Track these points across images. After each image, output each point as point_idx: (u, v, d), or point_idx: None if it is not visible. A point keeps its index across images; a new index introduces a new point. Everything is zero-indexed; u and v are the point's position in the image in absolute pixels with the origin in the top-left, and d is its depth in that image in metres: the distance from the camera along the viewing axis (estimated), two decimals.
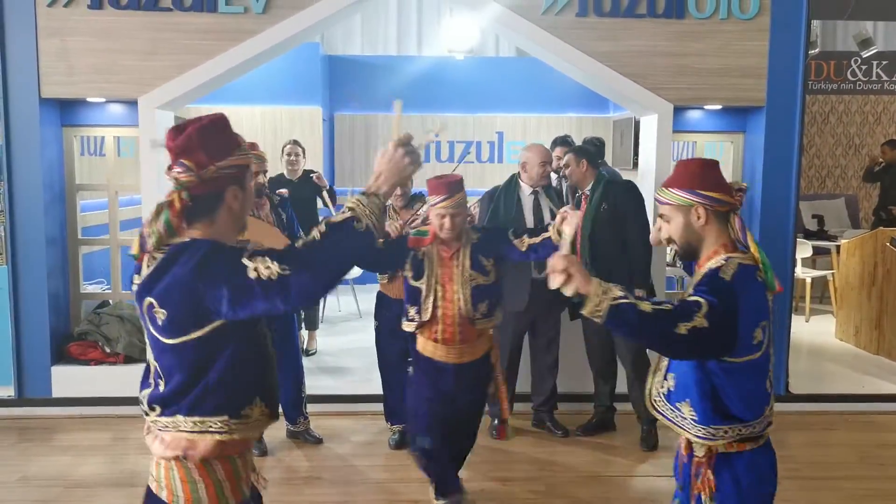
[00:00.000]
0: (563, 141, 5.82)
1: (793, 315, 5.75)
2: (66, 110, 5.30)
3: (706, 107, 5.44)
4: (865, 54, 8.52)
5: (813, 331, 7.36)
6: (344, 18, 5.97)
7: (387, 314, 4.55)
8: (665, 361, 2.32)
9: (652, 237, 2.40)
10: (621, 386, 4.96)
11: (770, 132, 5.29)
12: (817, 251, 7.98)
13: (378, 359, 4.74)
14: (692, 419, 2.21)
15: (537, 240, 3.53)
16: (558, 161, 5.53)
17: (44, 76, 4.97)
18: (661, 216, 2.34)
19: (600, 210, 4.59)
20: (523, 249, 3.55)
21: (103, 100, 5.21)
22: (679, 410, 2.24)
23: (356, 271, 7.96)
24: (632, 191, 4.75)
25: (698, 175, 2.27)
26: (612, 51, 5.16)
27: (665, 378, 2.30)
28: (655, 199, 2.38)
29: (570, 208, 3.37)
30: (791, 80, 5.22)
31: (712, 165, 2.32)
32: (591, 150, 4.95)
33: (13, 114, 4.99)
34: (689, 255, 2.34)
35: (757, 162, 5.41)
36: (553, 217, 4.65)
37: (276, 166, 6.63)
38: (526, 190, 4.73)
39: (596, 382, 4.98)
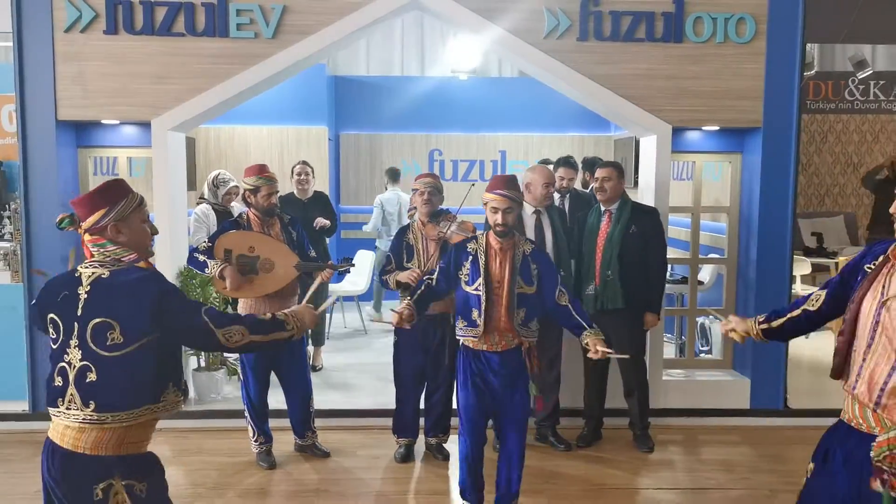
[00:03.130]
0: (566, 162, 5.94)
1: None
2: (81, 132, 5.44)
3: (704, 128, 5.57)
4: (861, 75, 8.68)
5: (813, 347, 7.44)
6: (351, 43, 6.11)
7: (408, 331, 4.63)
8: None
9: (893, 208, 2.47)
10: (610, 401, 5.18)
11: (767, 152, 5.41)
12: (816, 268, 8.09)
13: (394, 373, 4.82)
14: None
15: (573, 320, 3.68)
16: (561, 181, 5.67)
17: (60, 99, 5.12)
18: None
19: (629, 232, 4.78)
20: (560, 302, 3.70)
21: (117, 122, 5.35)
22: None
23: (362, 287, 8.09)
24: (656, 217, 5.02)
25: None
26: (612, 74, 5.30)
27: None
28: None
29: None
30: (787, 102, 5.36)
31: None
32: (624, 170, 5.10)
33: (30, 135, 5.14)
34: None
35: (754, 181, 5.53)
36: (554, 237, 4.80)
37: (283, 184, 6.79)
38: (528, 209, 4.85)
39: (588, 395, 5.13)
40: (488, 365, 3.75)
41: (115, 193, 2.52)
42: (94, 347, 2.39)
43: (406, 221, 8.37)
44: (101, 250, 2.51)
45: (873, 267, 2.51)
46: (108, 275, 2.46)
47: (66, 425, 2.42)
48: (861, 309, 2.49)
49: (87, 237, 2.53)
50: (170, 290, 2.49)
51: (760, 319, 2.92)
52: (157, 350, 2.43)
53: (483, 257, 3.71)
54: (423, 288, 3.85)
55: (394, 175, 8.55)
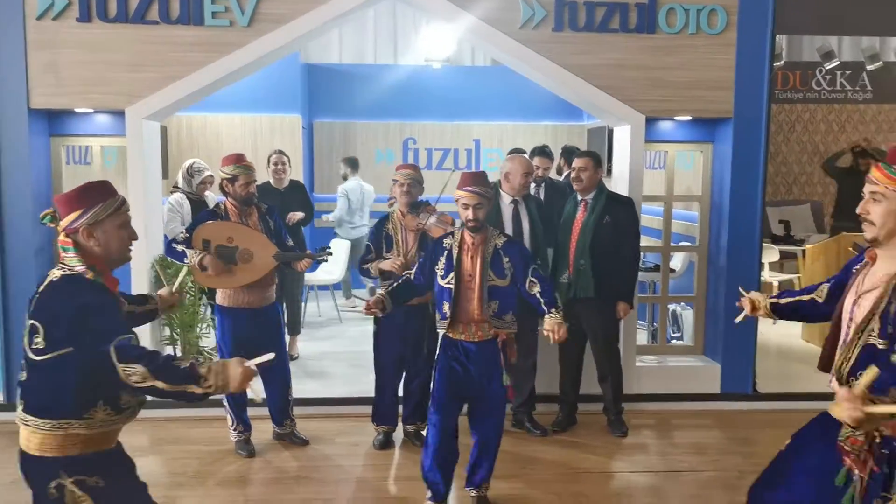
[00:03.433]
0: (541, 151, 6.00)
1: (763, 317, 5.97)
2: (54, 120, 5.39)
3: (677, 118, 5.66)
4: (828, 66, 8.84)
5: (780, 332, 7.58)
6: (326, 32, 6.10)
7: (388, 319, 4.67)
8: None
9: (860, 208, 2.47)
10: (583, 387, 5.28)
11: (737, 142, 5.51)
12: (784, 255, 8.26)
13: (375, 362, 4.87)
14: None
15: (541, 306, 3.75)
16: (537, 170, 5.73)
17: (33, 87, 5.06)
18: (873, 192, 2.41)
19: (603, 222, 4.85)
20: (528, 290, 3.80)
21: (91, 110, 5.31)
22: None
23: (337, 276, 8.11)
24: (631, 207, 5.09)
25: None
26: (586, 64, 5.36)
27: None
28: (877, 171, 2.43)
29: None
30: (757, 92, 5.46)
31: None
32: (602, 160, 5.16)
33: (2, 124, 5.08)
34: (876, 241, 2.45)
35: (725, 170, 5.63)
36: (531, 226, 4.86)
37: (259, 173, 6.78)
38: (506, 199, 4.91)
39: (563, 381, 5.23)
40: (465, 354, 3.85)
41: (93, 196, 2.50)
42: (26, 347, 2.39)
43: (367, 210, 8.45)
44: (64, 254, 2.48)
45: (859, 268, 2.61)
46: (57, 278, 2.45)
47: (20, 422, 2.45)
48: (844, 307, 2.59)
49: (61, 237, 2.51)
50: (91, 308, 2.36)
51: (771, 296, 3.10)
52: (79, 365, 2.33)
53: (456, 251, 3.82)
54: (399, 281, 3.99)
55: (353, 164, 8.56)
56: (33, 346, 2.36)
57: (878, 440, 2.39)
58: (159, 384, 2.28)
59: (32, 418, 2.40)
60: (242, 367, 2.35)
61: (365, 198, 8.39)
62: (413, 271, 4.02)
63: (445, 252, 3.86)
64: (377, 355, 4.84)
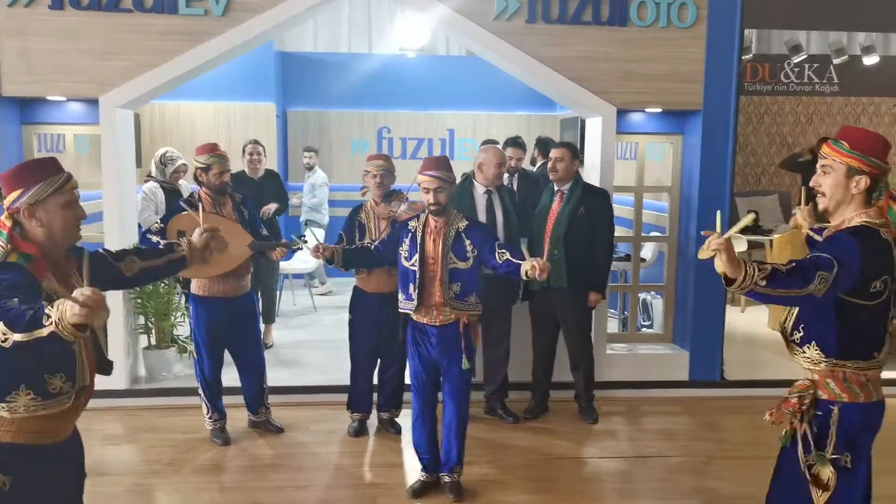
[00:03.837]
0: (514, 142, 6.06)
1: (729, 306, 6.12)
2: (26, 108, 5.35)
3: (647, 110, 5.74)
4: (796, 59, 8.98)
5: (748, 321, 7.77)
6: (301, 22, 6.10)
7: (362, 308, 4.74)
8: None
9: (813, 181, 2.68)
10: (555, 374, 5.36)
11: (706, 134, 5.61)
12: (752, 245, 8.39)
13: (350, 350, 4.91)
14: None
15: (514, 262, 3.77)
16: (510, 161, 5.79)
17: (4, 75, 5.02)
18: (823, 166, 2.62)
19: (577, 213, 4.92)
20: (499, 261, 3.84)
21: (63, 98, 5.27)
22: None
23: (312, 264, 8.13)
24: (606, 199, 5.16)
25: (879, 149, 2.57)
26: (559, 56, 5.42)
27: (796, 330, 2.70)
28: (826, 147, 2.63)
29: None
30: (726, 85, 5.56)
31: (889, 146, 2.62)
32: (578, 151, 5.21)
33: None
34: (825, 213, 2.66)
35: (694, 162, 5.73)
36: (505, 216, 4.92)
37: (233, 162, 6.77)
38: (480, 189, 4.97)
39: (535, 369, 5.31)
40: (427, 337, 3.99)
41: (34, 174, 2.36)
42: None
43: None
44: None
45: None
46: None
47: None
48: None
49: (2, 217, 2.36)
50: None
51: (759, 275, 2.56)
52: None
53: (420, 235, 3.91)
54: (358, 244, 4.20)
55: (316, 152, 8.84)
56: None
57: (808, 403, 2.63)
58: (17, 337, 2.00)
59: None
60: (83, 291, 1.97)
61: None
62: (376, 242, 4.17)
63: (410, 234, 3.97)
64: (352, 343, 4.88)
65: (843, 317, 2.56)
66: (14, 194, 2.34)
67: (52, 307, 1.97)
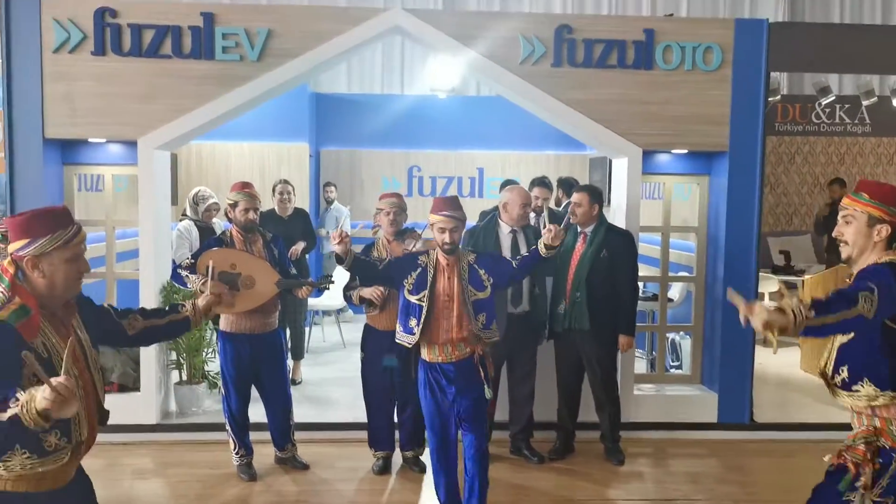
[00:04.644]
0: (541, 182, 6.12)
1: (760, 347, 6.06)
2: (67, 149, 5.55)
3: (673, 151, 5.78)
4: (824, 101, 8.98)
5: (780, 362, 7.64)
6: (335, 65, 6.28)
7: (374, 345, 4.80)
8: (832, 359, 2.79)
9: (836, 231, 2.82)
10: (581, 414, 5.34)
11: (733, 175, 5.63)
12: (785, 286, 8.32)
13: (363, 388, 4.96)
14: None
15: (527, 255, 4.11)
16: (536, 201, 5.85)
17: (48, 118, 5.24)
18: (845, 216, 2.77)
19: (600, 256, 4.95)
20: (516, 265, 4.08)
21: (104, 140, 5.47)
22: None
23: (340, 301, 8.22)
24: (630, 241, 5.16)
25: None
26: (585, 98, 5.51)
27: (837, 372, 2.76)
28: (847, 199, 2.81)
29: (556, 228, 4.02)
30: (752, 127, 5.58)
31: None
32: (601, 195, 5.26)
33: (18, 153, 5.24)
34: (850, 260, 2.79)
35: (721, 202, 5.74)
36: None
37: (264, 200, 6.93)
38: (505, 229, 5.02)
39: (560, 409, 5.29)
40: (444, 374, 3.99)
41: (42, 226, 2.35)
42: None
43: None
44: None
45: None
46: None
47: None
48: None
49: (4, 262, 2.36)
50: None
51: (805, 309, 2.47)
52: None
53: (431, 272, 3.96)
54: (369, 259, 4.21)
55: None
56: None
57: (876, 451, 2.67)
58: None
59: None
60: (50, 384, 1.97)
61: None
62: (386, 261, 4.19)
63: (419, 269, 3.99)
64: (365, 381, 4.93)
65: (893, 345, 2.64)
66: (20, 242, 2.34)
67: (23, 392, 1.99)
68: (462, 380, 3.98)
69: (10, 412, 1.97)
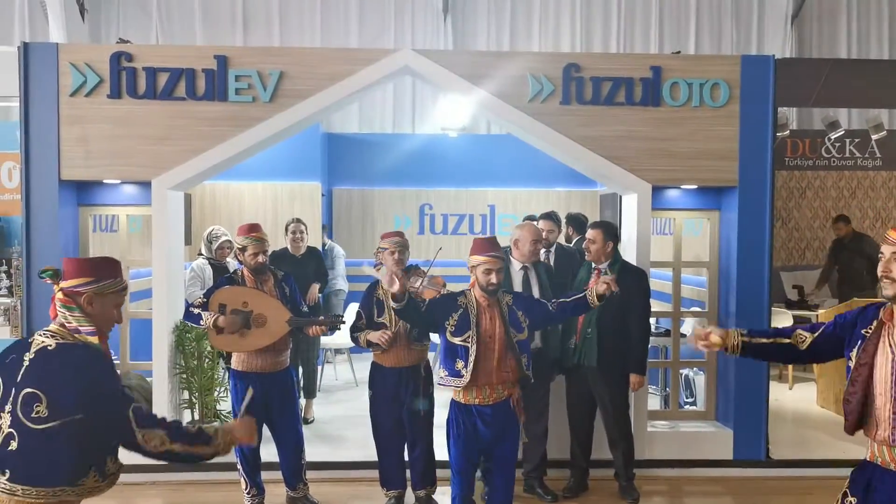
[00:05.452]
0: (548, 215, 6.12)
1: (777, 383, 6.00)
2: (83, 190, 5.63)
3: (683, 186, 5.80)
4: (833, 136, 9.00)
5: (796, 398, 7.58)
6: (345, 106, 6.37)
7: (382, 384, 4.78)
8: None
9: (882, 268, 2.68)
10: (595, 451, 5.29)
11: (743, 210, 5.64)
12: (798, 320, 8.26)
13: (373, 427, 4.94)
14: None
15: (569, 301, 4.05)
16: (542, 233, 5.85)
17: (64, 160, 5.33)
18: (894, 252, 2.64)
19: (612, 294, 4.92)
20: (554, 309, 4.05)
21: (118, 181, 5.55)
22: None
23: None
24: (643, 279, 5.14)
25: None
26: (593, 135, 5.55)
27: None
28: (892, 232, 2.69)
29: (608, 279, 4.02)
30: (761, 162, 5.60)
31: None
32: (616, 231, 5.24)
33: (34, 194, 5.33)
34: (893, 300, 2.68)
35: (732, 237, 5.74)
36: (541, 292, 4.95)
37: (277, 239, 6.99)
38: (516, 265, 5.03)
39: (573, 446, 5.24)
40: (481, 417, 3.93)
41: (106, 271, 2.65)
42: (20, 416, 2.40)
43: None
44: (67, 314, 2.56)
45: (870, 331, 2.74)
46: (53, 346, 2.49)
47: (5, 492, 2.45)
48: (875, 372, 2.69)
49: (59, 296, 2.59)
50: (105, 376, 2.50)
51: (743, 332, 3.05)
52: (80, 432, 2.42)
53: (474, 312, 3.92)
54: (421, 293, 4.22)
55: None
56: (33, 416, 2.38)
57: None
58: (176, 447, 2.53)
59: (23, 487, 2.41)
60: (245, 427, 2.73)
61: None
62: (426, 304, 4.08)
63: (460, 310, 3.95)
64: (374, 421, 4.90)
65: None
66: (82, 279, 2.60)
67: (213, 430, 2.67)
68: (499, 424, 3.93)
69: (210, 450, 2.67)
